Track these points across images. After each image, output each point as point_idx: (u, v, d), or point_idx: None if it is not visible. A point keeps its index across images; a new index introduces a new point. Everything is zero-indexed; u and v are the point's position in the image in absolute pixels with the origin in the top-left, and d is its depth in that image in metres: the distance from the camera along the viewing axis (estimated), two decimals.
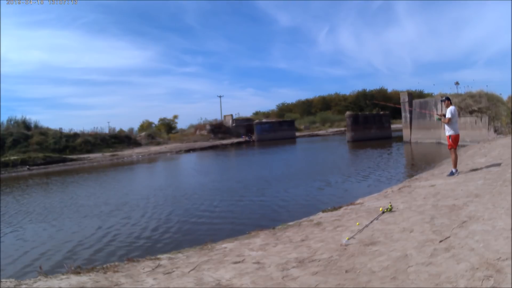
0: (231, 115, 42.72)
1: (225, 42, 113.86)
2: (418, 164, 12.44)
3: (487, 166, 7.18)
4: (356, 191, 8.20)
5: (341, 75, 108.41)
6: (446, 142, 7.25)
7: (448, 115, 6.58)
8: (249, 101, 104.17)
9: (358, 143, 24.36)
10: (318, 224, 4.50)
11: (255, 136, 37.76)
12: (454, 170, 6.76)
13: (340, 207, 5.49)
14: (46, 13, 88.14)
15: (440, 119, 6.99)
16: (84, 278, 2.90)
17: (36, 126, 29.71)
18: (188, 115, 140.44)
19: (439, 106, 17.98)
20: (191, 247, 4.12)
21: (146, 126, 51.96)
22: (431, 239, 3.18)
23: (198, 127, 41.88)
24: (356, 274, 2.65)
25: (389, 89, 64.23)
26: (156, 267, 3.26)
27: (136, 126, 52.81)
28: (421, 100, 21.64)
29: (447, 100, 6.87)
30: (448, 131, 6.70)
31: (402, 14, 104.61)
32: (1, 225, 7.64)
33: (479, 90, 18.08)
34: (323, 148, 24.79)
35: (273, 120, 44.28)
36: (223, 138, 37.73)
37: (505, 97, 18.66)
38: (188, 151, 29.04)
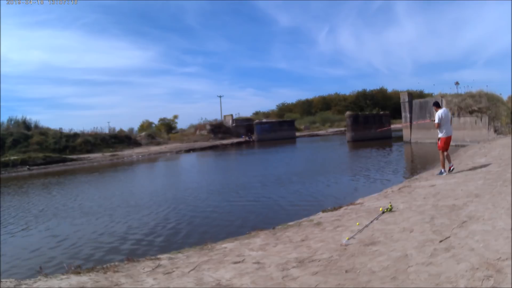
0: (231, 115, 42.70)
1: (225, 42, 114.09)
2: (418, 164, 12.43)
3: (487, 166, 7.19)
4: (356, 191, 8.20)
5: (341, 75, 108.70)
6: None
7: (436, 120, 7.02)
8: (249, 101, 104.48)
9: (358, 143, 24.34)
10: (318, 224, 4.50)
11: (255, 136, 37.75)
12: (443, 170, 7.16)
13: (340, 207, 5.49)
14: (47, 13, 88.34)
15: None
16: (84, 278, 2.90)
17: (36, 126, 29.65)
18: (188, 115, 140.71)
19: (440, 105, 17.96)
20: (191, 247, 4.12)
21: (146, 126, 51.99)
22: (431, 239, 3.18)
23: (198, 127, 41.85)
24: (356, 274, 2.65)
25: (389, 89, 64.52)
26: (156, 267, 3.26)
27: (136, 126, 52.88)
28: (421, 100, 21.61)
29: (434, 106, 7.36)
30: (439, 134, 7.14)
31: (402, 14, 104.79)
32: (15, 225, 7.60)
33: (479, 90, 18.08)
34: (323, 148, 24.78)
35: (273, 120, 44.32)
36: (223, 138, 37.71)
37: (505, 97, 18.73)
38: (188, 151, 29.03)
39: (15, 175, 19.27)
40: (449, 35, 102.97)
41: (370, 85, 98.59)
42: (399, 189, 6.49)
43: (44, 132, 28.07)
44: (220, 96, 57.08)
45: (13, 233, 6.94)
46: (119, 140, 31.78)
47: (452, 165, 7.25)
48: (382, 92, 63.33)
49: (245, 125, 41.18)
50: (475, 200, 4.43)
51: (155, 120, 53.04)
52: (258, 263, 3.16)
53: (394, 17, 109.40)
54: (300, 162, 16.40)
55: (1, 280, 2.97)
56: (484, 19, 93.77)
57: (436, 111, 7.16)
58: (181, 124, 55.87)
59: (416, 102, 21.36)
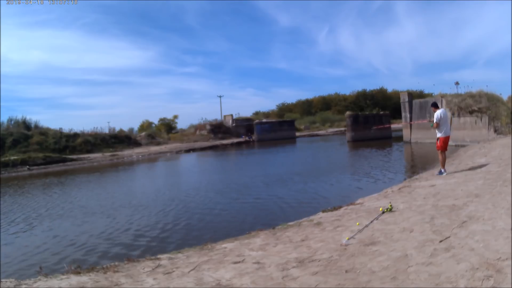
0: (231, 115, 42.71)
1: (225, 42, 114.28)
2: (418, 164, 12.43)
3: (487, 166, 7.19)
4: (356, 191, 8.20)
5: (341, 75, 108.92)
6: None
7: (435, 120, 7.13)
8: (249, 101, 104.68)
9: (358, 143, 24.34)
10: (318, 224, 4.50)
11: (255, 136, 37.76)
12: (442, 170, 7.23)
13: (340, 207, 5.49)
14: (47, 13, 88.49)
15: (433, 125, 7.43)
16: (84, 278, 2.90)
17: (36, 126, 29.66)
18: (188, 115, 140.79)
19: (438, 105, 17.97)
20: (191, 247, 4.12)
21: (146, 126, 52.04)
22: (431, 239, 3.18)
23: (198, 127, 41.85)
24: (356, 274, 2.65)
25: (389, 89, 64.55)
26: (156, 267, 3.26)
27: (136, 126, 52.99)
28: (421, 100, 21.59)
29: (433, 107, 7.50)
30: (437, 133, 7.23)
31: (402, 14, 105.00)
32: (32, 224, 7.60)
33: (479, 90, 18.06)
34: (323, 148, 24.78)
35: (273, 120, 44.32)
36: (223, 138, 37.71)
37: (505, 97, 18.71)
38: (188, 151, 29.02)
39: (15, 175, 19.27)
40: (449, 35, 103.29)
41: (370, 85, 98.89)
42: (399, 189, 6.49)
43: (44, 132, 28.07)
44: (220, 96, 57.29)
45: (19, 233, 6.92)
46: (119, 140, 31.77)
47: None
48: (382, 92, 63.33)
49: (245, 125, 41.18)
50: (475, 200, 4.43)
51: (155, 120, 53.26)
52: (258, 263, 3.16)
53: (394, 17, 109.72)
54: (301, 162, 16.40)
55: (1, 280, 2.97)
56: (484, 19, 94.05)
57: (435, 111, 7.28)
58: (181, 124, 56.04)
59: (416, 102, 21.36)
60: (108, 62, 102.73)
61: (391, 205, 4.67)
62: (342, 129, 38.98)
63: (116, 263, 3.47)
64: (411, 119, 21.06)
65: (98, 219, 7.61)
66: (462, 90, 20.05)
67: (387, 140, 25.44)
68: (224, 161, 21.56)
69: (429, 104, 19.97)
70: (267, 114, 59.65)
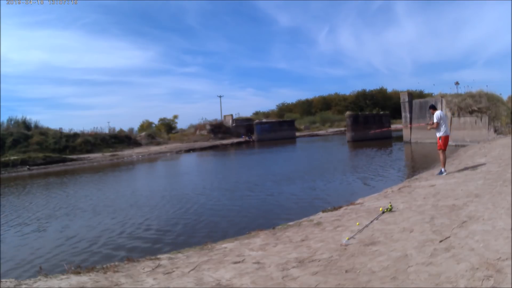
0: (231, 115, 42.71)
1: (225, 42, 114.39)
2: (418, 164, 12.43)
3: (487, 166, 7.19)
4: (356, 191, 8.20)
5: (341, 75, 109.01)
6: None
7: (435, 120, 7.29)
8: (249, 101, 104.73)
9: (358, 143, 24.35)
10: (318, 224, 4.50)
11: (255, 136, 37.76)
12: (443, 170, 7.31)
13: (340, 207, 5.49)
14: (47, 13, 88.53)
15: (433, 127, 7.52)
16: (84, 278, 2.90)
17: (36, 126, 29.66)
18: (188, 115, 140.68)
19: (438, 106, 18.00)
20: (191, 247, 4.12)
21: (146, 126, 52.05)
22: (431, 239, 3.18)
23: (198, 127, 41.85)
24: (356, 274, 2.65)
25: (389, 89, 64.60)
26: (156, 267, 3.26)
27: (136, 126, 52.99)
28: (421, 100, 21.60)
29: (431, 108, 7.64)
30: (438, 133, 7.32)
31: (402, 14, 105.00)
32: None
33: (479, 90, 18.08)
34: (323, 148, 24.77)
35: (273, 120, 44.33)
36: (223, 138, 37.71)
37: (505, 97, 18.76)
38: (188, 151, 29.02)
39: (15, 175, 19.26)
40: (449, 35, 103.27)
41: (370, 85, 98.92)
42: (399, 189, 6.49)
43: (44, 132, 28.07)
44: (220, 96, 57.30)
45: (26, 233, 6.88)
46: (119, 140, 31.78)
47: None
48: (382, 92, 63.38)
49: (245, 125, 41.18)
50: (475, 200, 4.44)
51: (155, 120, 53.32)
52: (258, 263, 3.16)
53: (394, 17, 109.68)
54: (300, 163, 16.38)
55: (1, 280, 2.97)
56: (484, 19, 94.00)
57: (433, 113, 7.40)
58: (181, 124, 56.13)
59: (416, 102, 21.36)
60: (108, 62, 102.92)
61: (391, 205, 4.67)
62: (342, 129, 38.98)
63: (116, 263, 3.47)
64: (411, 119, 21.06)
65: (104, 219, 7.60)
66: (462, 90, 20.12)
67: (387, 140, 25.44)
68: (225, 161, 21.56)
69: (429, 104, 20.04)
70: (267, 114, 59.66)
